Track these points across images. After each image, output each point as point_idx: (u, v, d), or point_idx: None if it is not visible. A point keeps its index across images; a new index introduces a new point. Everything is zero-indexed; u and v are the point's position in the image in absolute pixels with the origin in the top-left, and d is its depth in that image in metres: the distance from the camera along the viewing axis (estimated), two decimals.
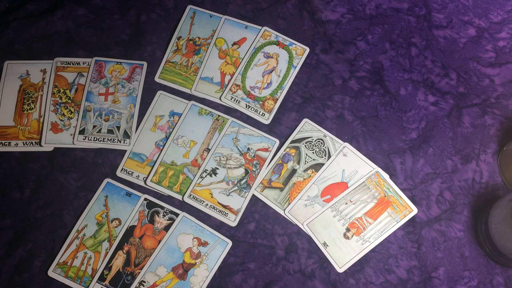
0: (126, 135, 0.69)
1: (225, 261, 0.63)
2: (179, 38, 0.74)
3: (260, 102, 0.71)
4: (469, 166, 0.67)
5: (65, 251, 0.63)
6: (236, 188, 0.66)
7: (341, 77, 0.72)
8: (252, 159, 0.67)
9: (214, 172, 0.67)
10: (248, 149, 0.68)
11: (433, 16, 0.76)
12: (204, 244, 0.63)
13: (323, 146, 0.68)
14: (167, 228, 0.64)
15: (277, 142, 0.68)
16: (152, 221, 0.64)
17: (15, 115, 0.69)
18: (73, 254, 0.63)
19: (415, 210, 0.65)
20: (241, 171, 0.67)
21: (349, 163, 0.67)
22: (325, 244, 0.64)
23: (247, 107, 0.70)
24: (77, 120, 0.69)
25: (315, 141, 0.68)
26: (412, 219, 0.65)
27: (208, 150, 0.68)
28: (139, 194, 0.66)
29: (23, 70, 0.72)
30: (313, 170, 0.67)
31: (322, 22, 0.75)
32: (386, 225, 0.64)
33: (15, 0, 0.77)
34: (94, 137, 0.68)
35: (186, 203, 0.66)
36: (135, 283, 0.61)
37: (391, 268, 0.63)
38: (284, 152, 0.68)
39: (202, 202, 0.65)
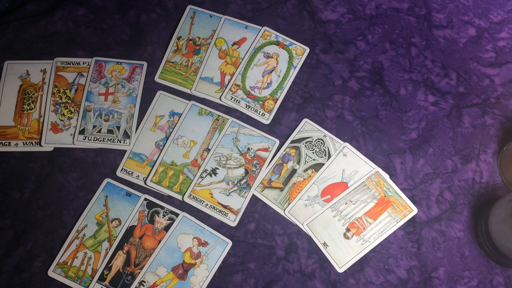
0: (126, 135, 0.69)
1: (225, 261, 0.63)
2: (179, 38, 0.74)
3: (260, 102, 0.71)
4: (469, 166, 0.67)
5: (65, 251, 0.63)
6: (236, 188, 0.66)
7: (341, 77, 0.72)
8: (252, 159, 0.67)
9: (214, 172, 0.67)
10: (248, 149, 0.68)
11: (433, 16, 0.76)
12: (204, 244, 0.63)
13: (323, 146, 0.68)
14: (167, 228, 0.64)
15: (277, 142, 0.68)
16: (152, 221, 0.64)
17: (15, 115, 0.69)
18: (73, 254, 0.63)
19: (415, 210, 0.65)
20: (241, 171, 0.67)
21: (349, 163, 0.67)
22: (325, 244, 0.64)
23: (247, 107, 0.70)
24: (77, 120, 0.69)
25: (315, 141, 0.68)
26: (412, 219, 0.65)
27: (208, 150, 0.68)
28: (139, 194, 0.66)
29: (23, 70, 0.72)
30: (313, 170, 0.67)
31: (322, 22, 0.75)
32: (386, 225, 0.64)
33: (15, 0, 0.77)
34: (94, 137, 0.68)
35: (186, 203, 0.66)
36: (135, 283, 0.61)
37: (391, 268, 0.63)
38: (284, 152, 0.68)
39: (202, 202, 0.65)
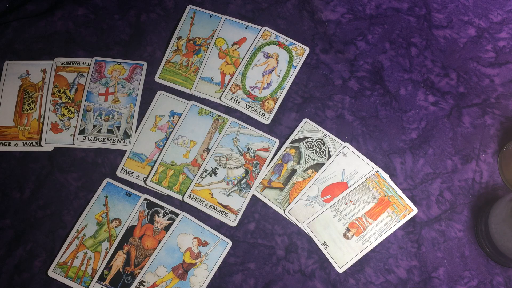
0: (126, 135, 0.69)
1: (225, 261, 0.63)
2: (179, 38, 0.74)
3: (260, 102, 0.71)
4: (469, 166, 0.67)
5: (65, 251, 0.63)
6: (236, 188, 0.66)
7: (341, 77, 0.72)
8: (252, 159, 0.67)
9: (214, 172, 0.67)
10: (248, 149, 0.68)
11: (433, 16, 0.76)
12: (204, 244, 0.63)
13: (323, 146, 0.68)
14: (167, 228, 0.64)
15: (277, 142, 0.68)
16: (152, 221, 0.64)
17: (15, 115, 0.69)
18: (73, 254, 0.63)
19: (415, 210, 0.65)
20: (241, 171, 0.67)
21: (349, 163, 0.67)
22: (325, 244, 0.64)
23: (247, 107, 0.70)
24: (77, 120, 0.69)
25: (315, 141, 0.68)
26: (412, 219, 0.65)
27: (208, 150, 0.68)
28: (139, 194, 0.66)
29: (23, 70, 0.72)
30: (313, 170, 0.67)
31: (322, 22, 0.75)
32: (386, 225, 0.64)
33: (15, 0, 0.77)
34: (94, 137, 0.68)
35: (186, 203, 0.66)
36: (135, 283, 0.61)
37: (391, 268, 0.63)
38: (284, 152, 0.68)
39: (202, 202, 0.65)
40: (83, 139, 0.68)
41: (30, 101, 0.70)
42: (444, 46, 0.74)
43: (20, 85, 0.71)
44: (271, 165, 0.67)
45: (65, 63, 0.72)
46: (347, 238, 0.64)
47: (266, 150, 0.68)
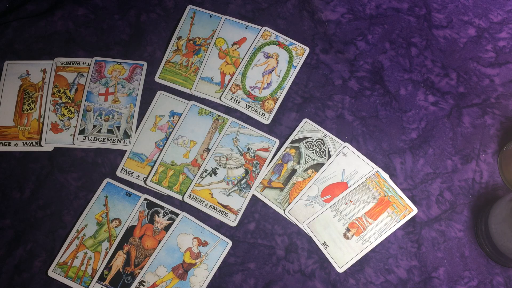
0: (126, 135, 0.69)
1: (225, 261, 0.63)
2: (179, 38, 0.74)
3: (260, 102, 0.71)
4: (469, 166, 0.67)
5: (65, 251, 0.63)
6: (236, 188, 0.66)
7: (341, 77, 0.72)
8: (252, 159, 0.67)
9: (214, 172, 0.67)
10: (248, 149, 0.68)
11: (433, 16, 0.76)
12: (204, 244, 0.63)
13: (323, 146, 0.68)
14: (167, 228, 0.64)
15: (277, 142, 0.68)
16: (152, 221, 0.64)
17: (15, 115, 0.69)
18: (73, 254, 0.63)
19: (415, 210, 0.65)
20: (241, 171, 0.67)
21: (349, 163, 0.67)
22: (325, 244, 0.64)
23: (247, 107, 0.70)
24: (77, 120, 0.69)
25: (315, 141, 0.68)
26: (412, 219, 0.65)
27: (208, 150, 0.68)
28: (139, 194, 0.66)
29: (23, 70, 0.72)
30: (313, 170, 0.67)
31: (322, 22, 0.75)
32: (386, 225, 0.64)
33: (15, 0, 0.77)
34: (94, 137, 0.68)
35: (186, 203, 0.66)
36: (135, 283, 0.61)
37: (391, 268, 0.63)
38: (284, 152, 0.68)
39: (202, 202, 0.65)
40: (83, 139, 0.68)
41: (30, 101, 0.70)
42: (444, 46, 0.74)
43: (20, 85, 0.71)
44: (271, 165, 0.67)
45: (65, 63, 0.72)
46: (347, 238, 0.64)
47: (266, 150, 0.68)
